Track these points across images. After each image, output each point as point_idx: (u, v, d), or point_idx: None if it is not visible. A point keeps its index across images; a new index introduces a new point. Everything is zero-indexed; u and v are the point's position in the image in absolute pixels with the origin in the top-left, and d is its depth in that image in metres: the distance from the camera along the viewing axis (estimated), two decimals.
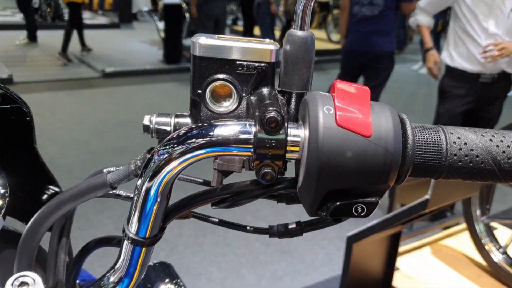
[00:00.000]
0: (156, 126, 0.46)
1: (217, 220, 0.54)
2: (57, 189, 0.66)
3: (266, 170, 0.40)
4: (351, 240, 1.64)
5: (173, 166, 0.40)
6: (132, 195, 0.57)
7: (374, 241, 1.70)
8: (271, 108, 0.39)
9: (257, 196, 0.45)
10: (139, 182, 0.42)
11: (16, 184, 0.61)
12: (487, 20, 2.76)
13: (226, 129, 0.40)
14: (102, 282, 0.47)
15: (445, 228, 2.43)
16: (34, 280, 0.47)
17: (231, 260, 2.86)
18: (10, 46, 8.39)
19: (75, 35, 7.62)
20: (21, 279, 0.47)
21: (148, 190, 0.42)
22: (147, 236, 0.44)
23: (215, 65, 0.44)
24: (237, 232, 3.07)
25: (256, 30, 9.10)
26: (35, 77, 6.61)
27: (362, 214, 0.39)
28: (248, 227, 0.53)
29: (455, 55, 2.97)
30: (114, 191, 0.54)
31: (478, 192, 2.01)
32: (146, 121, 0.46)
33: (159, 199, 0.42)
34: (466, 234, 2.19)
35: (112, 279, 0.46)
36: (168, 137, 0.41)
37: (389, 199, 2.50)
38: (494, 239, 2.05)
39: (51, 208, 0.51)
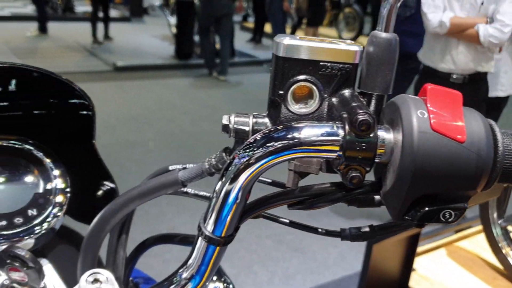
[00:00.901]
0: (235, 126, 0.46)
1: (287, 221, 0.53)
2: (112, 185, 0.66)
3: (354, 174, 0.40)
4: (372, 241, 1.64)
5: (255, 168, 0.41)
6: (200, 193, 0.58)
7: (393, 242, 1.70)
8: (362, 111, 0.39)
9: (338, 199, 0.45)
10: (219, 183, 0.43)
11: (73, 180, 0.61)
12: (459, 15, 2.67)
13: (313, 131, 0.40)
14: (175, 278, 0.47)
15: (457, 231, 2.43)
16: (107, 278, 0.47)
17: (242, 256, 2.88)
18: (21, 38, 8.42)
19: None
20: (94, 276, 0.47)
21: (228, 192, 0.42)
22: (222, 235, 0.44)
23: (298, 66, 0.44)
24: (249, 229, 3.07)
25: (267, 27, 9.09)
26: (46, 68, 6.63)
27: (450, 220, 0.39)
28: (319, 229, 0.53)
29: (428, 52, 2.89)
30: (182, 189, 0.54)
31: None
32: (225, 120, 0.46)
33: (238, 201, 0.43)
34: (481, 236, 2.18)
35: (184, 275, 0.47)
36: (252, 138, 0.42)
37: None
38: (511, 243, 2.05)
39: (118, 205, 0.51)
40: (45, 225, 0.56)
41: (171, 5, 8.60)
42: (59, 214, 0.57)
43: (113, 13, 11.89)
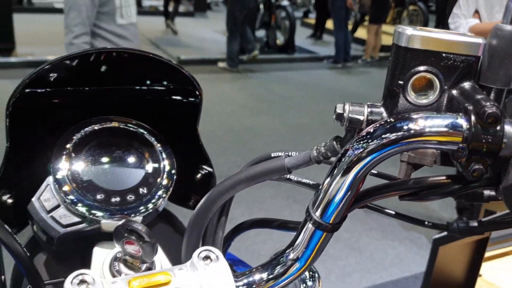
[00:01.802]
0: (350, 115, 0.46)
1: (393, 212, 0.54)
2: (210, 169, 0.69)
3: (477, 166, 0.39)
4: (438, 243, 1.61)
5: (371, 159, 0.41)
6: (303, 181, 0.61)
7: (460, 245, 1.66)
8: (489, 103, 0.38)
9: (453, 192, 0.45)
10: (335, 171, 0.44)
11: (177, 163, 0.65)
12: (500, 11, 2.56)
13: (434, 122, 0.40)
14: (282, 259, 0.50)
15: None
16: (217, 256, 0.50)
17: None
18: None
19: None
20: (206, 253, 0.49)
21: (341, 182, 0.43)
22: (331, 222, 0.46)
23: (420, 56, 0.44)
24: None
25: (328, 23, 9.01)
26: None
27: None
28: (426, 222, 0.53)
29: None
30: (286, 175, 0.56)
31: None
32: (339, 109, 0.47)
33: (350, 191, 0.44)
34: None
35: (291, 256, 0.49)
36: (370, 128, 0.42)
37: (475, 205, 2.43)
38: None
39: (225, 187, 0.54)
40: (151, 205, 0.59)
41: None
42: (164, 195, 0.61)
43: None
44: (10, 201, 0.60)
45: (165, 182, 0.61)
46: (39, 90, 0.59)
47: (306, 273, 0.69)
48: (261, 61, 7.46)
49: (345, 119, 0.47)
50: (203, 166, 0.70)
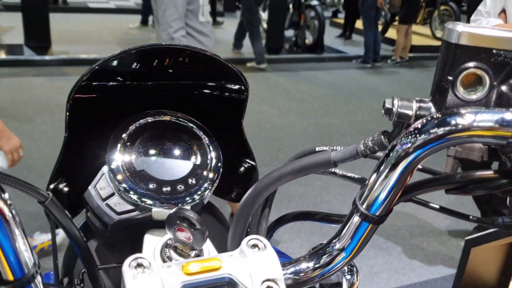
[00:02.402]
0: (398, 110, 0.48)
1: (437, 206, 0.55)
2: (253, 163, 0.72)
3: None
4: (470, 244, 1.60)
5: (421, 151, 0.42)
6: (348, 175, 0.63)
7: (493, 247, 1.64)
8: None
9: (500, 186, 0.46)
10: (383, 165, 0.45)
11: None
12: None
13: (484, 117, 0.40)
14: (328, 249, 0.52)
15: None
16: (265, 245, 0.51)
17: None
18: (124, 29, 8.96)
19: None
20: (254, 242, 0.51)
21: (388, 176, 0.45)
22: (377, 215, 0.47)
23: (470, 53, 0.44)
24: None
25: (358, 23, 8.95)
26: None
27: None
28: (471, 217, 0.54)
29: None
30: (331, 169, 0.58)
31: None
32: (388, 104, 0.48)
33: (398, 185, 0.45)
34: None
35: (337, 246, 0.51)
36: (420, 122, 0.43)
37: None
38: None
39: (272, 179, 0.56)
40: (198, 196, 0.62)
41: (264, 1, 8.74)
42: (210, 187, 0.63)
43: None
44: (66, 189, 0.64)
45: (211, 174, 0.63)
46: (97, 83, 0.63)
47: (345, 267, 0.71)
48: (289, 61, 7.48)
49: (393, 114, 0.48)
50: (247, 160, 0.72)
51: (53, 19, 6.94)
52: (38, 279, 0.42)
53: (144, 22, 9.17)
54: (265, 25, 8.28)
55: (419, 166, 0.55)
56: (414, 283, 2.69)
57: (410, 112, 0.48)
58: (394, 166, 0.44)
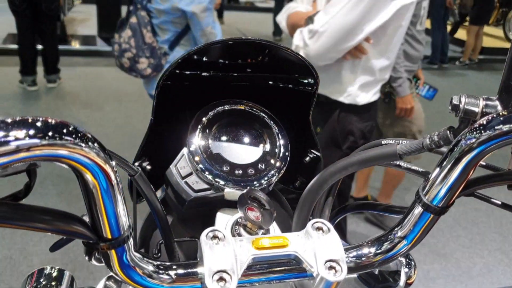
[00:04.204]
0: (465, 107, 0.49)
1: (499, 202, 0.56)
2: (318, 154, 0.75)
3: None
4: None
5: (485, 147, 0.44)
6: (412, 168, 0.65)
7: None
8: None
9: None
10: (447, 159, 0.47)
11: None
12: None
13: None
14: (390, 236, 0.55)
15: None
16: (328, 228, 0.54)
17: None
18: None
19: None
20: (318, 225, 0.54)
21: (452, 169, 0.47)
22: (439, 206, 0.49)
23: None
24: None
25: (426, 23, 8.68)
26: None
27: None
28: None
29: None
30: (396, 162, 0.61)
31: None
32: (455, 100, 0.50)
33: (461, 178, 0.47)
34: None
35: (398, 234, 0.54)
36: (485, 118, 0.45)
37: None
38: None
39: (338, 168, 0.59)
40: (266, 181, 0.66)
41: None
42: (277, 174, 0.67)
43: (259, 3, 12.44)
44: (148, 167, 0.70)
45: (279, 162, 0.67)
46: (183, 72, 0.68)
47: (403, 260, 0.72)
48: None
49: (460, 110, 0.50)
50: (312, 151, 0.76)
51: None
52: (131, 241, 0.47)
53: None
54: None
55: (483, 163, 0.56)
56: None
57: (476, 109, 0.49)
58: (458, 160, 0.46)
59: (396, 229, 0.54)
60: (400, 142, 0.57)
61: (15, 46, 5.35)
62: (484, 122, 0.45)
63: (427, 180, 0.50)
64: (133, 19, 2.56)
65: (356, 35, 1.70)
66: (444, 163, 0.48)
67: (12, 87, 5.14)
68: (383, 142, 0.60)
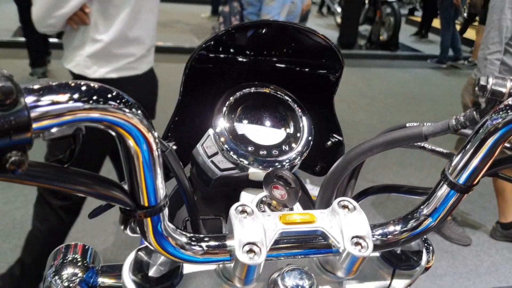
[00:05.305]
0: (493, 87, 0.50)
1: None
2: (340, 138, 0.76)
3: None
4: None
5: (508, 129, 0.45)
6: (437, 149, 0.66)
7: None
8: None
9: None
10: (473, 139, 0.48)
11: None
12: None
13: None
14: (415, 214, 0.56)
15: None
16: (354, 206, 0.55)
17: None
18: (197, 19, 9.22)
19: None
20: (343, 203, 0.55)
21: (478, 148, 0.48)
22: (465, 184, 0.51)
23: None
24: None
25: (435, 22, 8.66)
26: None
27: None
28: None
29: None
30: (420, 143, 0.62)
31: None
32: (483, 81, 0.51)
33: (486, 158, 0.48)
34: None
35: (424, 212, 0.55)
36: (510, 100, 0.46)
37: None
38: None
39: (363, 149, 0.60)
40: (289, 163, 0.67)
41: None
42: (300, 156, 0.68)
43: None
44: (174, 147, 0.71)
45: (302, 144, 0.68)
46: (210, 55, 0.70)
47: (423, 249, 0.73)
48: (362, 57, 7.38)
49: (487, 91, 0.50)
50: (335, 135, 0.77)
51: None
52: (166, 211, 0.48)
53: (215, 12, 9.39)
54: (338, 20, 8.21)
55: (507, 145, 0.58)
56: None
57: (504, 90, 0.50)
58: (483, 140, 0.47)
59: (422, 207, 0.55)
60: (425, 124, 0.58)
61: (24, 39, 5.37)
62: (510, 103, 0.46)
63: (453, 159, 0.51)
64: (226, 8, 2.93)
65: (66, 1, 1.63)
66: (470, 143, 0.49)
67: (23, 80, 5.18)
68: (407, 125, 0.61)
